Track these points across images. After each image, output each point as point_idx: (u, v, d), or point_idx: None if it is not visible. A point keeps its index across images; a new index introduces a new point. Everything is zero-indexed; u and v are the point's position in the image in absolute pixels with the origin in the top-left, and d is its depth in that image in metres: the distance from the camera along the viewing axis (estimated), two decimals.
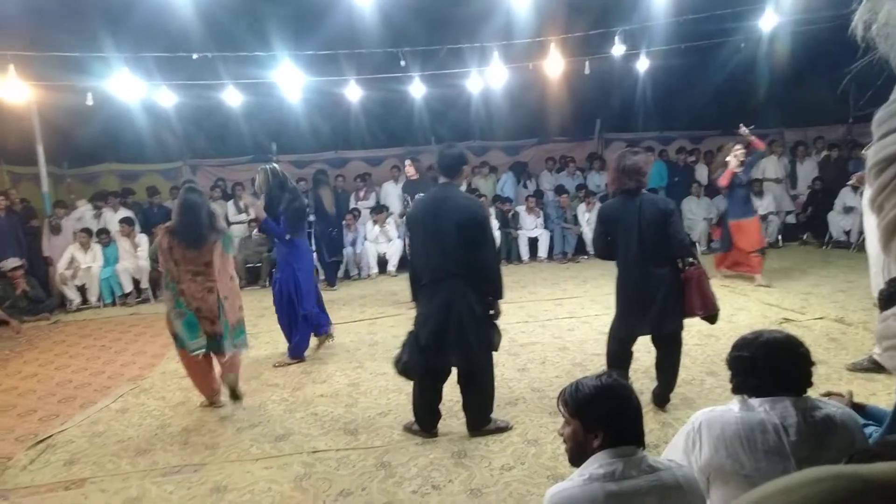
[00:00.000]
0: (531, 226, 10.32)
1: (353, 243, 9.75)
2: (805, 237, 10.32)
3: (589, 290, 7.75)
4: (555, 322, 6.29)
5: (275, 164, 5.54)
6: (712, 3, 7.60)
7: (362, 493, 3.18)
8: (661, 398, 3.96)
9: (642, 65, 9.24)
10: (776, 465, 1.73)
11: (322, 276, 9.23)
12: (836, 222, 9.54)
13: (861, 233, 8.05)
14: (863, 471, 0.53)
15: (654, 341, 3.91)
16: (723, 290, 6.61)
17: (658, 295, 3.69)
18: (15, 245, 8.35)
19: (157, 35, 7.30)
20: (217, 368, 4.48)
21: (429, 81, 9.33)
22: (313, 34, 7.70)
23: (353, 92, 9.24)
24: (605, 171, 10.98)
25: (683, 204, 10.11)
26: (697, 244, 9.71)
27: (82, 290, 8.80)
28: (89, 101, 8.33)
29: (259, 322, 6.81)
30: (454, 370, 3.73)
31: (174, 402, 4.70)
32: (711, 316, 3.74)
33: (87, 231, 9.01)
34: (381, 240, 9.77)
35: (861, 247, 7.43)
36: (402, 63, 8.48)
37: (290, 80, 8.45)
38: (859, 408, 2.30)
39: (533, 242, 10.30)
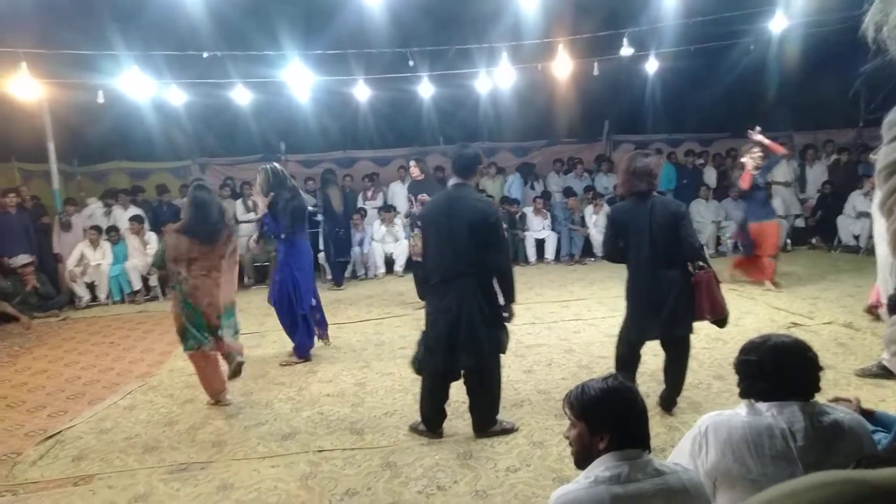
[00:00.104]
0: (538, 227, 10.30)
1: (361, 243, 9.76)
2: (814, 241, 10.25)
3: (596, 292, 7.73)
4: (561, 324, 6.28)
5: (275, 164, 5.53)
6: (722, 5, 7.56)
7: (368, 492, 3.19)
8: (668, 402, 3.94)
9: (651, 66, 9.20)
10: (783, 469, 1.73)
11: (329, 276, 9.26)
12: (846, 226, 9.48)
13: (871, 237, 8.00)
14: (870, 476, 0.53)
15: (663, 344, 3.90)
16: (731, 293, 6.57)
17: (669, 298, 3.67)
18: (26, 242, 8.42)
19: (167, 33, 7.34)
20: (223, 367, 4.53)
21: (437, 82, 9.33)
22: (322, 34, 7.72)
23: (362, 92, 9.26)
24: (612, 172, 10.96)
25: (692, 207, 10.06)
26: (706, 247, 9.66)
27: (91, 287, 8.86)
28: (100, 99, 8.38)
29: (266, 321, 6.83)
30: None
31: (182, 399, 4.72)
32: (721, 320, 3.73)
33: (97, 228, 9.06)
34: (387, 240, 9.78)
35: (870, 251, 7.38)
36: (411, 63, 8.48)
37: (299, 79, 8.48)
38: (868, 414, 2.28)
39: (540, 244, 10.28)
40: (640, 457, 1.67)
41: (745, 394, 1.94)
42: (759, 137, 6.86)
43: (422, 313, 4.00)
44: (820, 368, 1.88)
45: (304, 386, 4.85)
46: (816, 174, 10.74)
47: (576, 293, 7.75)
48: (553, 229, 10.31)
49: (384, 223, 9.73)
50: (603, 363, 4.85)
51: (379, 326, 6.63)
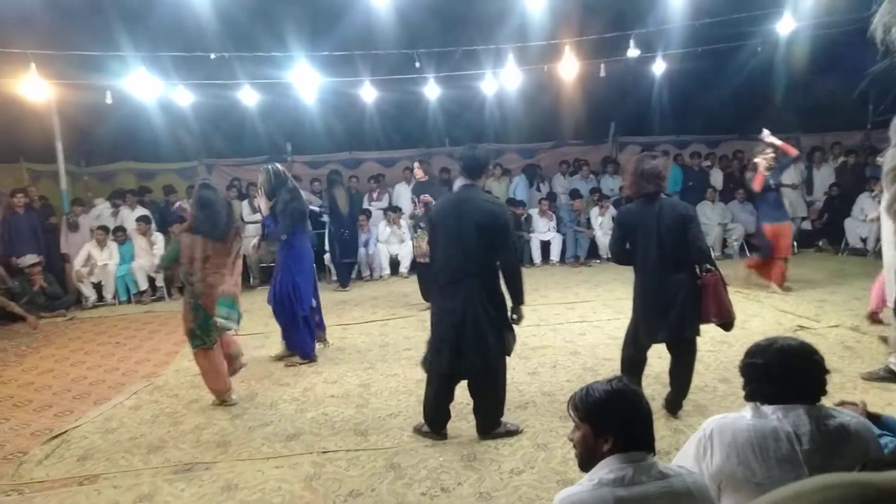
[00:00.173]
0: (544, 229, 10.30)
1: (366, 244, 9.77)
2: (821, 244, 10.20)
3: (601, 294, 7.72)
4: (566, 326, 6.27)
5: (276, 164, 5.54)
6: (729, 6, 7.54)
7: (372, 493, 3.19)
8: (674, 404, 3.93)
9: (658, 68, 9.16)
10: (788, 473, 1.72)
11: (334, 277, 9.27)
12: (853, 229, 9.44)
13: (878, 240, 7.95)
14: (876, 479, 0.53)
15: (669, 347, 3.88)
16: (737, 296, 6.55)
17: (677, 300, 3.66)
18: (33, 242, 8.48)
19: (174, 35, 7.37)
20: (226, 366, 4.58)
21: (443, 83, 9.33)
22: (329, 35, 7.74)
23: (368, 93, 9.28)
24: (618, 174, 10.94)
25: (698, 209, 9.99)
26: (711, 249, 9.63)
27: (98, 287, 8.91)
28: (108, 100, 8.42)
29: (270, 322, 6.78)
30: None
31: (187, 399, 4.73)
32: (727, 323, 3.71)
33: (104, 229, 9.12)
34: (393, 241, 9.79)
35: (878, 254, 7.33)
36: (417, 64, 8.49)
37: (305, 80, 8.49)
38: (874, 418, 2.27)
39: (545, 246, 10.28)
40: (645, 459, 1.66)
41: (750, 397, 1.93)
42: (772, 139, 6.83)
43: (427, 315, 4.00)
44: (826, 372, 1.87)
45: (308, 387, 4.85)
46: (824, 176, 10.69)
47: (581, 295, 7.74)
48: (558, 231, 10.31)
49: (389, 224, 9.73)
50: (608, 365, 4.84)
51: (384, 328, 6.63)
